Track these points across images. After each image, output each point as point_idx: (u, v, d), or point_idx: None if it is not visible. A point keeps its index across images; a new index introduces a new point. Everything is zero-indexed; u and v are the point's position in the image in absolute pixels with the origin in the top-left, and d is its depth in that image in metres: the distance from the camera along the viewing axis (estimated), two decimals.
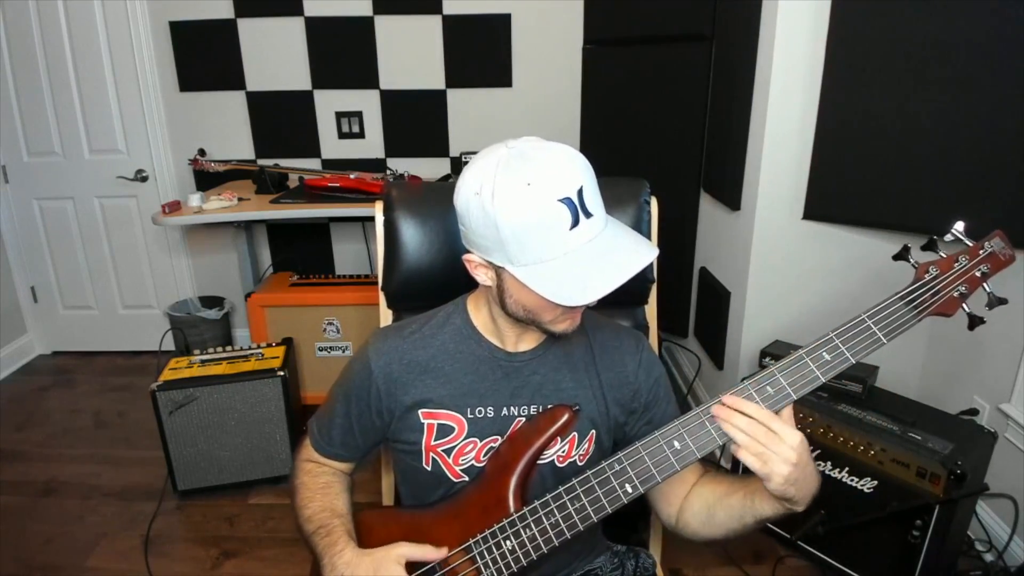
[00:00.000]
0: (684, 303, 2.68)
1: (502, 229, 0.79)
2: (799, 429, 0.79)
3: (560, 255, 0.79)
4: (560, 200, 0.77)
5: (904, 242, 0.88)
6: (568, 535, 0.88)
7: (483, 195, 0.80)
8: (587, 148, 2.87)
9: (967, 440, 1.57)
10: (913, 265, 0.85)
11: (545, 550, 0.88)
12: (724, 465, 2.10)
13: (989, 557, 1.75)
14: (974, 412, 1.79)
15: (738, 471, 1.94)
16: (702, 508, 0.94)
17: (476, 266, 0.88)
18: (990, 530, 1.77)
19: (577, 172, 0.79)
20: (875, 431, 1.61)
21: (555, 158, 0.80)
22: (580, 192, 0.78)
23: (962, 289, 0.82)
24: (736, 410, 0.80)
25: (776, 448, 0.77)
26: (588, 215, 0.79)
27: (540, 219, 0.78)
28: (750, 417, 0.79)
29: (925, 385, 2.04)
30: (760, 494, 0.85)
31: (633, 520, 1.29)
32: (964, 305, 0.83)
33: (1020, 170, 1.53)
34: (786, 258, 1.99)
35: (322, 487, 1.02)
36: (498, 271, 0.86)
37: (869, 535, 1.63)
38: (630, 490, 0.85)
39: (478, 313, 0.98)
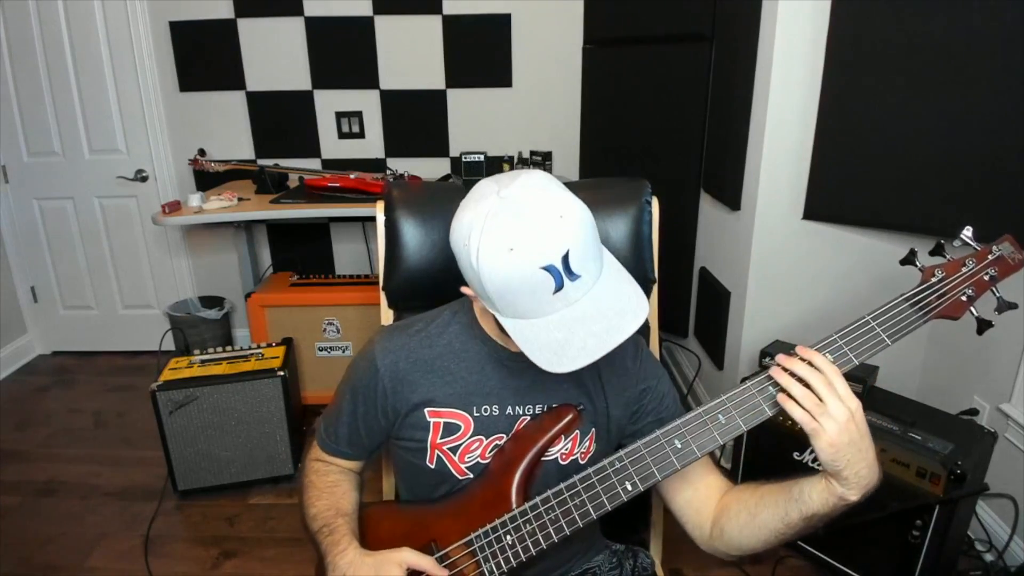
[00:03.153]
0: (684, 303, 2.68)
1: (486, 286, 0.79)
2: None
3: (543, 315, 0.79)
4: (543, 267, 0.75)
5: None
6: (568, 532, 0.88)
7: (470, 248, 0.79)
8: (587, 148, 2.89)
9: (967, 440, 1.57)
10: (920, 268, 0.84)
11: (544, 546, 0.89)
12: (724, 465, 2.10)
13: (989, 557, 1.75)
14: (974, 412, 1.79)
15: (738, 472, 1.94)
16: (741, 510, 0.89)
17: (473, 297, 0.89)
18: (990, 530, 1.77)
19: (565, 236, 0.76)
20: (875, 431, 1.57)
21: (543, 219, 0.76)
22: (566, 256, 0.76)
23: (969, 292, 0.81)
24: (803, 359, 0.78)
25: (832, 402, 0.75)
26: (573, 277, 0.77)
27: (521, 284, 0.77)
28: (815, 368, 0.76)
29: (925, 385, 2.04)
30: (810, 485, 0.80)
31: (633, 520, 1.29)
32: (972, 308, 0.82)
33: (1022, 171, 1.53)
34: (786, 258, 1.99)
35: (329, 486, 1.02)
36: None
37: (869, 535, 1.63)
38: (630, 488, 0.86)
39: (483, 313, 0.99)
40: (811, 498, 0.80)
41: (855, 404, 0.76)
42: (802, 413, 0.76)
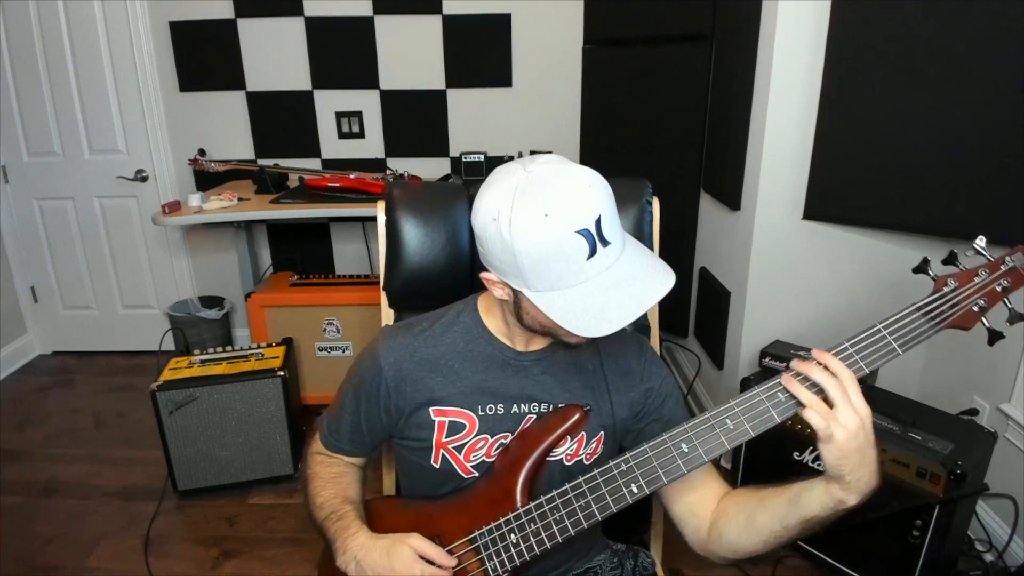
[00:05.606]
0: (684, 303, 2.68)
1: (519, 257, 0.79)
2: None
3: (578, 284, 0.79)
4: (578, 231, 0.77)
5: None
6: (572, 532, 0.88)
7: (500, 222, 0.79)
8: (587, 148, 2.88)
9: (967, 440, 1.57)
10: (932, 277, 0.84)
11: (548, 546, 0.89)
12: (724, 466, 2.10)
13: (989, 557, 1.75)
14: (974, 412, 1.79)
15: (738, 472, 1.94)
16: (739, 513, 0.90)
17: (493, 283, 0.89)
18: (990, 530, 1.77)
19: (596, 201, 0.78)
20: (875, 431, 1.60)
21: (574, 187, 0.78)
22: (598, 221, 0.77)
23: (981, 303, 0.81)
24: (819, 363, 0.77)
25: (843, 409, 0.75)
26: (605, 243, 0.79)
27: (557, 250, 0.77)
28: (831, 374, 0.76)
29: (925, 385, 2.04)
30: (808, 489, 0.81)
31: (634, 520, 1.29)
32: (984, 319, 0.82)
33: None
34: (786, 258, 1.99)
35: (334, 476, 1.03)
36: (515, 290, 0.86)
37: (869, 535, 1.63)
38: (635, 491, 0.86)
39: (488, 313, 0.99)
40: (809, 502, 0.80)
41: (866, 411, 0.76)
42: (818, 419, 0.75)
